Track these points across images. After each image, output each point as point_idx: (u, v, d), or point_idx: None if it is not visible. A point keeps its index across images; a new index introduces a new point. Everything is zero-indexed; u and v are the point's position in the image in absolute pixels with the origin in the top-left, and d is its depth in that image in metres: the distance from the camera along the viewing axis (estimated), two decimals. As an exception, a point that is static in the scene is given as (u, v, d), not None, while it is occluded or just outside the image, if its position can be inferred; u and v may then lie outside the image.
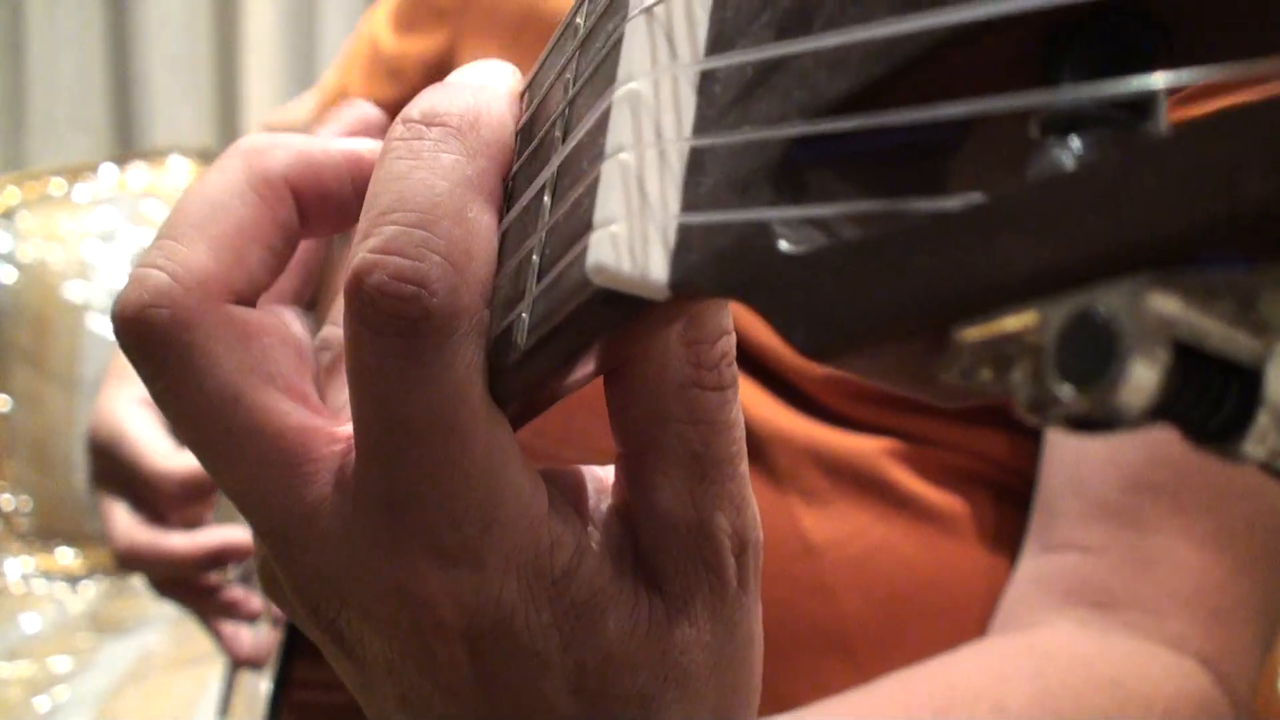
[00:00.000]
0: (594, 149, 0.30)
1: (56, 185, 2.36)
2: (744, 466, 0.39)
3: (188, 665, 1.78)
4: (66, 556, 2.26)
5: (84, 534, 2.21)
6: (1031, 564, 0.77)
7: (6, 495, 2.27)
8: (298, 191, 0.41)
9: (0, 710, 1.75)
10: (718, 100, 0.27)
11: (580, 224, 0.30)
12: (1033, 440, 0.82)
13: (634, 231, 0.27)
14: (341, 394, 0.42)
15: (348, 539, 0.38)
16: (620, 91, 0.29)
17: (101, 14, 2.70)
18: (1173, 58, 0.19)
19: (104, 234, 2.33)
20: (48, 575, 2.25)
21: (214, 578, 1.10)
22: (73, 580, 2.24)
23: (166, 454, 1.05)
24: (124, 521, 1.10)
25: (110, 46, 2.72)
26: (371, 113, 0.52)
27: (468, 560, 0.36)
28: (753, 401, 0.81)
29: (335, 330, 0.43)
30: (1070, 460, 0.76)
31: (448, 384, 0.35)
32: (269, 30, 2.67)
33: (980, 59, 0.21)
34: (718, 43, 0.27)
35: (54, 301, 2.29)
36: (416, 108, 0.37)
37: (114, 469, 1.07)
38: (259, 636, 1.10)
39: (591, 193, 0.29)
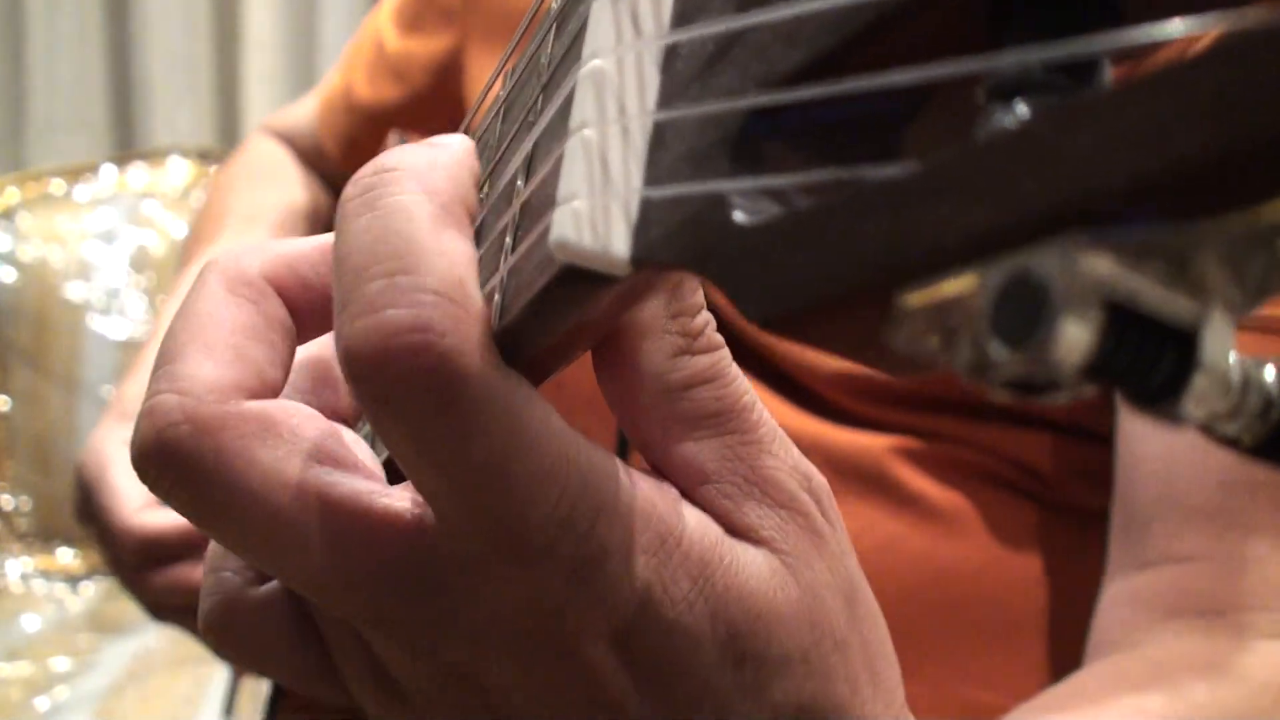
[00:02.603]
0: (561, 128, 0.30)
1: (56, 185, 2.36)
2: (766, 413, 0.39)
3: (188, 665, 1.78)
4: (66, 556, 2.27)
5: (84, 534, 2.21)
6: (1125, 584, 0.75)
7: (6, 495, 2.27)
8: (279, 287, 0.39)
9: (0, 710, 1.75)
10: (680, 75, 0.27)
11: (546, 201, 0.30)
12: (1041, 434, 0.81)
13: (596, 206, 0.27)
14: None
15: (465, 585, 0.36)
16: (584, 69, 0.29)
17: (101, 14, 2.70)
18: (1118, 21, 0.19)
19: (104, 234, 2.33)
20: (48, 575, 2.25)
21: None
22: (73, 580, 2.24)
23: (137, 509, 1.02)
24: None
25: (110, 46, 2.72)
26: None
27: (592, 556, 0.35)
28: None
29: None
30: (1160, 473, 0.74)
31: (496, 413, 0.32)
32: (269, 30, 2.67)
33: (929, 29, 0.21)
34: (681, 19, 0.28)
35: (54, 301, 2.29)
36: (367, 166, 0.35)
37: (91, 511, 1.06)
38: None
39: (556, 170, 0.29)
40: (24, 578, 2.24)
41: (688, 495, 0.38)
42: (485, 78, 1.11)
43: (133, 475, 1.09)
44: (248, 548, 0.37)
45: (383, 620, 0.37)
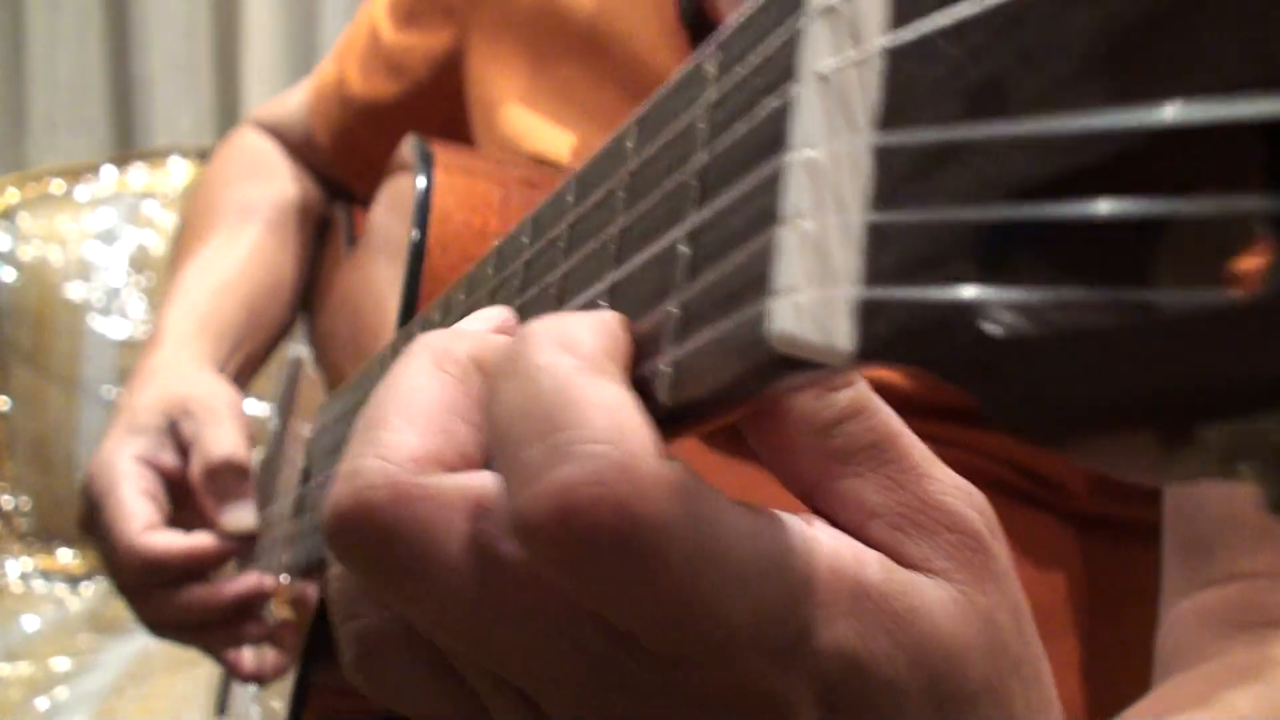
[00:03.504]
0: (756, 211, 0.30)
1: (56, 185, 2.36)
2: (915, 437, 0.38)
3: (187, 665, 1.78)
4: (66, 556, 2.27)
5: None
6: (1188, 603, 0.74)
7: (6, 495, 2.27)
8: (485, 370, 0.39)
9: (0, 710, 1.75)
10: (898, 170, 0.27)
11: (746, 286, 0.30)
12: None
13: (818, 300, 0.27)
14: None
15: (666, 682, 0.35)
16: (796, 157, 0.29)
17: (101, 14, 2.70)
18: None
19: (104, 234, 2.33)
20: (48, 575, 2.25)
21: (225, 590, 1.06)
22: (73, 580, 2.24)
23: (142, 529, 1.01)
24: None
25: (110, 46, 2.71)
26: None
27: (797, 635, 0.34)
28: None
29: None
30: (1221, 496, 0.73)
31: (683, 540, 0.31)
32: (269, 31, 2.66)
33: (1201, 152, 0.21)
34: (894, 111, 0.27)
35: (54, 301, 2.29)
36: (511, 339, 0.35)
37: (96, 525, 1.04)
38: (262, 655, 1.10)
39: (764, 257, 0.29)
40: (24, 578, 2.24)
41: (856, 533, 0.37)
42: (490, 77, 1.11)
43: (140, 493, 1.07)
44: (434, 618, 0.36)
45: (578, 701, 0.36)
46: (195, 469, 1.04)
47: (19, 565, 2.25)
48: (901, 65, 0.27)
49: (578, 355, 0.33)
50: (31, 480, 2.28)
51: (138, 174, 2.39)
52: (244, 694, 1.27)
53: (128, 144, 2.70)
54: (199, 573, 1.03)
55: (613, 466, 0.30)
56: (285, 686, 1.05)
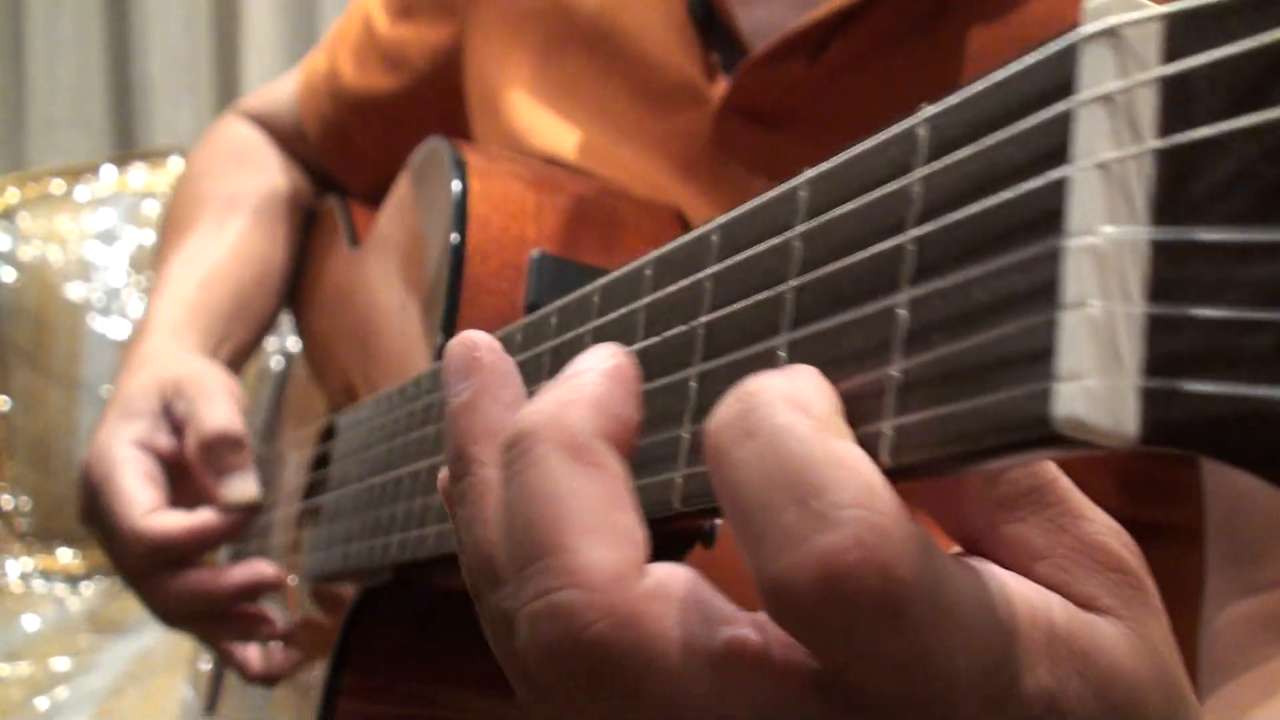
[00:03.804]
0: (1017, 289, 0.30)
1: (56, 185, 2.36)
2: (1070, 481, 0.39)
3: (187, 665, 1.78)
4: (66, 556, 2.26)
5: (84, 534, 2.20)
6: (1236, 609, 0.74)
7: (6, 495, 2.26)
8: (609, 439, 0.39)
9: (0, 710, 1.75)
10: (1187, 262, 0.27)
11: (1008, 363, 0.30)
12: None
13: (1107, 386, 0.27)
14: None
15: None
16: (1078, 242, 0.28)
17: (101, 14, 2.70)
18: None
19: (104, 234, 2.33)
20: (48, 575, 2.25)
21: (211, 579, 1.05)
22: (73, 580, 2.24)
23: (145, 513, 1.00)
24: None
25: (110, 46, 2.71)
26: None
27: (1008, 683, 0.35)
28: None
29: None
30: (1270, 506, 0.73)
31: (933, 601, 0.32)
32: (269, 30, 2.66)
33: None
34: (1176, 202, 0.27)
35: (54, 301, 2.29)
36: (730, 397, 0.35)
37: (97, 514, 1.04)
38: (271, 654, 1.10)
39: (1038, 338, 0.29)
40: (24, 578, 2.24)
41: (1023, 575, 0.38)
42: (493, 72, 1.09)
43: (140, 477, 1.07)
44: None
45: None
46: (190, 445, 1.03)
47: (19, 565, 2.25)
48: (1186, 158, 0.27)
49: (812, 415, 0.33)
50: (31, 480, 2.27)
51: (138, 174, 2.39)
52: (236, 694, 1.26)
53: (128, 144, 2.70)
54: (205, 549, 1.03)
55: (872, 530, 0.31)
56: (285, 689, 1.06)
